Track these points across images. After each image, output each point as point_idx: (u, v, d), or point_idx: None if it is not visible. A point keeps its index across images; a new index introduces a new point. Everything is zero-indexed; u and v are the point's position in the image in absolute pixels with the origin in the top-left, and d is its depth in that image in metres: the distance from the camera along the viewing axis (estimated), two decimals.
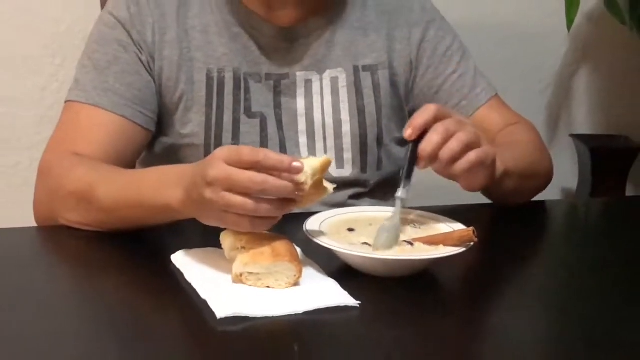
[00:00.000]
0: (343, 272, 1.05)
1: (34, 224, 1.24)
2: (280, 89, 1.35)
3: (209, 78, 1.32)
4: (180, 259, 1.07)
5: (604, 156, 2.26)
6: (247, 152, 0.96)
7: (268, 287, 1.00)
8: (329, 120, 1.36)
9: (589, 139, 2.32)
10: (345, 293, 0.99)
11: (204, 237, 1.08)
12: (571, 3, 1.98)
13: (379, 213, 1.18)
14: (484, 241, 1.08)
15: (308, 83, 1.36)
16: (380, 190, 1.40)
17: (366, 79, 1.38)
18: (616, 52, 2.36)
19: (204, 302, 0.96)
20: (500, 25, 2.25)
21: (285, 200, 0.98)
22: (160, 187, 1.09)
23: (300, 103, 1.35)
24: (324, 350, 0.91)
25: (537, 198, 1.43)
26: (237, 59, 1.33)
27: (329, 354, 0.90)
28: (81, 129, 1.27)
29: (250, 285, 1.01)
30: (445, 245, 1.07)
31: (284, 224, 1.02)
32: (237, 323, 0.93)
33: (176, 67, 1.31)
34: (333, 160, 1.34)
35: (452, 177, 1.12)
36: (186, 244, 1.10)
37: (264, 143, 1.33)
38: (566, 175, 2.34)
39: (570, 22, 2.00)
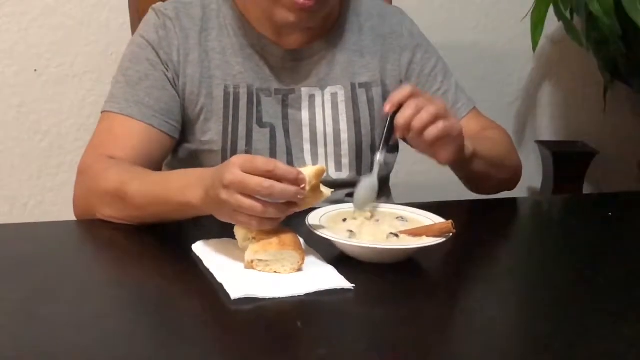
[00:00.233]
0: (340, 259, 1.05)
1: (74, 218, 1.24)
2: (287, 102, 1.34)
3: (226, 93, 1.32)
4: (200, 248, 1.07)
5: (565, 159, 2.26)
6: (261, 161, 0.97)
7: (275, 272, 1.00)
8: (330, 130, 1.35)
9: (551, 145, 2.32)
10: (342, 277, 0.99)
11: (221, 230, 1.07)
12: (536, 27, 1.98)
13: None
14: (461, 232, 1.08)
15: (311, 97, 1.35)
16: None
17: (362, 95, 1.37)
18: (575, 69, 2.36)
19: (220, 285, 0.96)
20: (475, 47, 2.25)
21: (289, 203, 0.99)
22: (184, 187, 1.08)
23: (305, 115, 1.35)
24: (323, 327, 0.91)
25: (507, 195, 1.43)
26: (251, 76, 1.33)
27: (328, 330, 0.90)
28: (115, 135, 1.26)
29: (260, 271, 1.00)
30: (427, 236, 1.06)
31: (290, 218, 1.02)
32: (249, 303, 0.93)
33: (198, 83, 1.31)
34: (332, 164, 1.35)
35: (425, 148, 1.15)
36: (205, 235, 1.10)
37: (272, 149, 1.32)
38: (532, 176, 2.34)
39: (535, 44, 2.00)
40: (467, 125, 1.40)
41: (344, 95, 1.36)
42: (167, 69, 1.30)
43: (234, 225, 1.04)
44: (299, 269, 1.01)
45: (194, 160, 1.33)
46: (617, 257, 1.17)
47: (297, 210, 1.01)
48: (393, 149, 1.43)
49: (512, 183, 1.43)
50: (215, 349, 0.86)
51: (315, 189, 1.01)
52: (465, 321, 0.96)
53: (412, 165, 1.54)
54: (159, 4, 1.35)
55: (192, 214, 1.10)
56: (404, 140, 1.23)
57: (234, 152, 1.30)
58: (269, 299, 0.94)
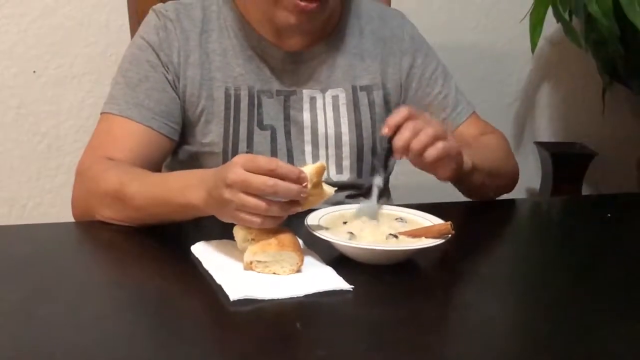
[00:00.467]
0: (339, 260, 1.05)
1: (73, 220, 1.24)
2: (289, 103, 1.34)
3: (227, 95, 1.32)
4: (199, 249, 1.07)
5: (563, 160, 2.26)
6: (263, 160, 0.97)
7: (274, 273, 1.00)
8: (331, 132, 1.35)
9: (550, 146, 2.32)
10: (341, 278, 0.99)
11: (220, 231, 1.08)
12: (535, 29, 1.98)
13: None
14: (460, 234, 1.08)
15: (313, 100, 1.35)
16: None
17: (363, 98, 1.37)
18: (573, 71, 2.36)
19: (219, 286, 0.96)
20: (474, 48, 2.25)
21: (291, 202, 0.99)
22: (185, 188, 1.09)
23: (306, 117, 1.35)
24: (322, 328, 0.91)
25: (506, 197, 1.43)
26: (251, 78, 1.33)
27: (327, 331, 0.90)
28: (114, 137, 1.26)
29: (259, 272, 1.00)
30: (426, 237, 1.07)
31: (289, 219, 1.02)
32: (248, 304, 0.93)
33: (198, 85, 1.31)
34: (333, 167, 1.35)
35: (425, 167, 1.15)
36: (204, 237, 1.10)
37: (273, 151, 1.32)
38: (530, 177, 2.34)
39: (534, 45, 2.00)
40: (467, 129, 1.41)
41: (345, 98, 1.36)
42: (167, 71, 1.30)
43: (233, 226, 1.04)
44: (298, 270, 1.01)
45: (194, 162, 1.33)
46: (616, 258, 1.18)
47: (300, 209, 1.02)
48: (392, 151, 1.43)
49: (509, 188, 1.43)
50: (215, 350, 0.86)
51: (317, 187, 1.02)
52: (464, 322, 0.96)
53: (411, 167, 1.54)
54: (160, 5, 1.35)
55: (193, 215, 1.10)
56: None
57: (235, 154, 1.30)
58: (268, 300, 0.94)
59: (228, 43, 1.33)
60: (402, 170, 1.50)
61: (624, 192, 2.12)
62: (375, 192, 1.16)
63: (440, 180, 1.20)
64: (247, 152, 1.31)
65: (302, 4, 1.21)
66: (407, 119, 1.12)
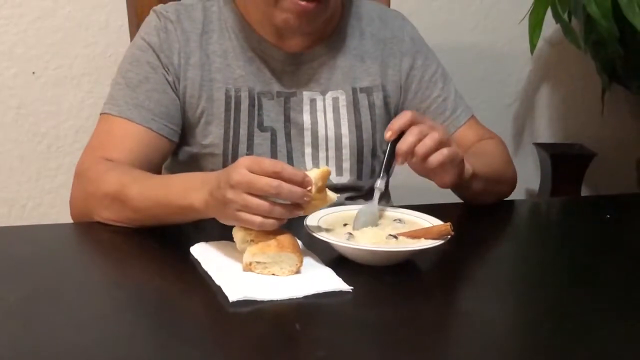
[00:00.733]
0: (338, 261, 1.05)
1: (70, 220, 1.24)
2: (289, 105, 1.34)
3: (227, 96, 1.31)
4: (198, 250, 1.07)
5: (562, 161, 2.26)
6: (268, 162, 0.98)
7: (273, 274, 1.00)
8: (331, 134, 1.35)
9: (549, 147, 2.32)
10: (340, 279, 0.99)
11: (219, 232, 1.08)
12: (534, 30, 1.98)
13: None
14: (459, 235, 1.08)
15: (313, 101, 1.35)
16: (372, 193, 1.40)
17: (363, 100, 1.37)
18: (573, 71, 2.36)
19: (219, 288, 0.96)
20: (474, 49, 2.25)
21: (294, 205, 0.99)
22: (186, 190, 1.09)
23: (306, 118, 1.35)
24: (322, 329, 0.91)
25: (505, 198, 1.43)
26: (252, 79, 1.32)
27: (326, 332, 0.90)
28: (114, 138, 1.26)
29: (258, 273, 1.00)
30: (425, 238, 1.07)
31: (289, 221, 1.03)
32: (247, 305, 0.93)
33: (198, 86, 1.31)
34: (333, 168, 1.35)
35: (427, 173, 1.15)
36: (204, 238, 1.10)
37: (273, 153, 1.32)
38: (530, 178, 2.34)
39: (533, 46, 2.00)
40: (465, 133, 1.41)
41: (345, 99, 1.36)
42: (167, 72, 1.30)
43: (232, 227, 1.04)
44: (297, 272, 1.01)
45: (195, 163, 1.33)
46: (616, 258, 1.18)
47: (303, 213, 1.02)
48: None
49: (507, 194, 1.43)
50: (214, 350, 0.86)
51: (321, 192, 1.02)
52: (463, 322, 0.96)
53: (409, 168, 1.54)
54: (160, 6, 1.35)
55: (193, 217, 1.10)
56: None
57: (235, 156, 1.30)
58: (267, 301, 0.94)
59: (228, 44, 1.33)
60: (402, 171, 1.50)
61: (624, 193, 2.12)
62: (376, 195, 1.16)
63: (440, 187, 1.19)
64: (247, 154, 1.31)
65: (302, 4, 1.21)
66: (411, 123, 1.12)
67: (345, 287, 0.98)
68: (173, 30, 1.31)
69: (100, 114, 1.29)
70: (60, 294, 0.97)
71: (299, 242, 1.05)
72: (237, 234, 1.05)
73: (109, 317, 0.93)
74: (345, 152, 1.36)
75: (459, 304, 1.03)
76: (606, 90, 2.20)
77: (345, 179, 1.36)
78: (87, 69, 1.96)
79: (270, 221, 0.99)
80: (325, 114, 1.35)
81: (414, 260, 1.07)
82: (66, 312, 0.92)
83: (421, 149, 1.10)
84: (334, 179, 1.35)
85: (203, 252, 1.07)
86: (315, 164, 1.35)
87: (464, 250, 1.16)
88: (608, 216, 1.37)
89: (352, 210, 1.18)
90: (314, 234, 1.06)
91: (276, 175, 0.97)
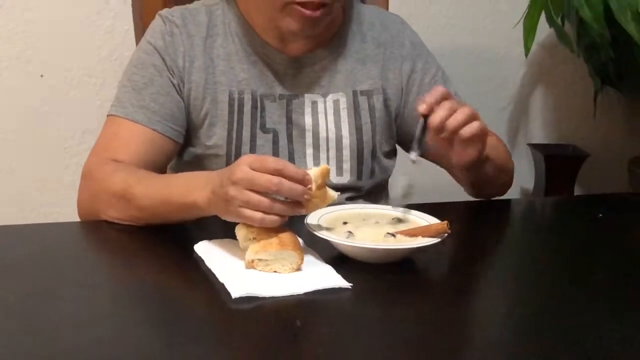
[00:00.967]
0: (338, 259, 1.05)
1: (77, 219, 1.24)
2: (291, 107, 1.34)
3: (231, 99, 1.31)
4: (202, 248, 1.07)
5: (556, 162, 2.26)
6: (271, 160, 0.98)
7: (275, 271, 1.00)
8: (332, 136, 1.35)
9: (543, 148, 2.32)
10: (340, 276, 0.99)
11: (222, 230, 1.07)
12: (528, 33, 1.98)
13: (368, 210, 1.18)
14: (456, 233, 1.08)
15: (314, 104, 1.35)
16: (372, 193, 1.40)
17: (363, 102, 1.37)
18: (566, 74, 2.36)
19: (222, 284, 0.96)
20: (471, 52, 2.25)
21: (295, 203, 0.99)
22: (189, 189, 1.09)
23: (308, 120, 1.35)
24: (322, 325, 0.91)
25: (501, 197, 1.43)
26: (255, 82, 1.32)
27: (326, 328, 0.90)
28: (120, 139, 1.26)
29: (260, 270, 1.00)
30: (423, 236, 1.07)
31: (290, 220, 1.03)
32: (249, 302, 0.93)
33: (202, 89, 1.31)
34: (334, 169, 1.35)
35: (456, 146, 1.16)
36: (207, 236, 1.10)
37: (275, 154, 1.32)
38: (524, 178, 2.34)
39: (527, 49, 2.00)
40: None
41: (346, 102, 1.36)
42: (172, 75, 1.30)
43: (235, 226, 1.04)
44: (298, 269, 1.01)
45: (199, 163, 1.33)
46: (608, 257, 1.18)
47: (304, 212, 1.02)
48: (391, 154, 1.43)
49: (507, 187, 1.43)
50: (217, 346, 0.85)
51: (321, 189, 1.02)
52: (461, 318, 0.96)
53: (410, 168, 1.54)
54: (166, 10, 1.35)
55: (196, 215, 1.10)
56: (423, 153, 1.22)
57: (238, 156, 1.29)
58: (269, 297, 0.94)
59: (232, 48, 1.33)
60: (403, 173, 1.50)
61: (615, 193, 2.12)
62: (414, 159, 1.15)
63: (457, 166, 1.20)
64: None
65: (307, 12, 1.21)
66: (443, 98, 1.13)
67: (345, 284, 0.98)
68: (178, 34, 1.31)
69: (107, 115, 1.29)
70: (66, 291, 0.97)
71: (300, 240, 1.05)
72: (239, 232, 1.05)
73: (115, 313, 0.93)
74: (346, 153, 1.36)
75: (456, 300, 1.03)
76: (599, 93, 2.20)
77: (345, 179, 1.36)
78: (94, 71, 1.96)
79: (272, 217, 0.99)
80: (326, 116, 1.35)
81: (412, 258, 1.07)
82: (72, 308, 0.92)
83: (452, 122, 1.12)
84: (335, 179, 1.35)
85: (206, 250, 1.06)
86: (317, 164, 1.34)
87: (460, 248, 1.16)
88: (600, 215, 1.37)
89: (351, 209, 1.18)
90: (315, 232, 1.06)
91: (277, 173, 0.97)
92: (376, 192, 1.42)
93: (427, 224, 1.11)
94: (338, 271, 1.01)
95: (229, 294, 0.93)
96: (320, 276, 1.00)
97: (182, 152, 1.35)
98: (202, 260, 1.04)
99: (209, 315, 0.93)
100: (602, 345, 0.87)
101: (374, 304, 0.97)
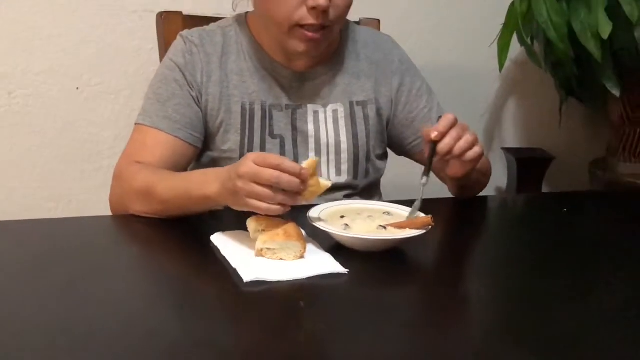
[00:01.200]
0: (336, 248, 1.05)
1: (110, 213, 1.24)
2: (296, 116, 1.34)
3: (243, 109, 1.31)
4: (217, 238, 1.07)
5: (526, 164, 2.26)
6: (271, 157, 0.99)
7: (281, 259, 1.00)
8: (332, 141, 1.35)
9: (515, 151, 2.32)
10: (337, 263, 0.99)
11: (235, 222, 1.07)
12: (502, 52, 1.98)
13: (362, 205, 1.18)
14: (439, 225, 1.08)
15: (316, 113, 1.35)
16: (367, 191, 1.40)
17: (359, 112, 1.37)
18: (535, 87, 2.36)
19: (234, 270, 0.96)
20: (452, 68, 2.25)
21: (294, 193, 0.99)
22: (203, 183, 1.09)
23: (310, 127, 1.34)
24: (322, 305, 0.91)
25: (478, 195, 1.43)
26: (264, 94, 1.32)
27: (326, 308, 0.90)
28: (146, 145, 1.26)
29: (268, 258, 1.00)
30: (410, 228, 1.06)
31: (295, 214, 1.02)
32: (259, 285, 0.93)
33: (218, 100, 1.31)
34: (333, 170, 1.35)
35: (458, 164, 1.17)
36: (222, 228, 1.10)
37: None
38: (499, 178, 2.34)
39: (501, 66, 2.00)
40: None
41: (344, 112, 1.36)
42: (192, 89, 1.30)
43: (246, 219, 1.04)
44: (302, 257, 1.01)
45: (215, 166, 1.32)
46: (570, 245, 1.18)
47: (302, 201, 1.02)
48: (383, 157, 1.43)
49: (484, 186, 1.43)
50: (230, 323, 0.86)
51: (312, 178, 1.01)
52: (442, 298, 0.96)
53: (399, 168, 1.54)
54: (186, 31, 1.35)
55: (210, 206, 1.11)
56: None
57: None
58: (276, 281, 0.94)
59: (244, 64, 1.33)
60: (393, 173, 1.50)
61: (578, 191, 2.12)
62: (421, 192, 1.14)
63: (455, 177, 1.22)
64: None
65: (310, 34, 1.21)
66: (451, 126, 1.13)
67: (342, 270, 0.98)
68: (197, 52, 1.31)
69: (135, 124, 1.29)
70: (99, 276, 0.97)
71: (303, 232, 1.05)
72: (250, 225, 1.05)
73: (141, 295, 0.93)
74: (344, 156, 1.36)
75: (440, 284, 1.03)
76: (563, 103, 2.20)
77: (343, 179, 1.36)
78: (123, 85, 1.96)
79: (275, 207, 0.99)
80: (326, 124, 1.35)
81: (401, 247, 1.07)
82: (104, 291, 0.92)
83: (458, 150, 1.13)
84: (334, 178, 1.35)
85: (221, 240, 1.06)
86: (318, 167, 1.34)
87: (443, 239, 1.16)
88: (565, 210, 1.37)
89: (347, 205, 1.18)
90: (316, 225, 1.06)
91: (277, 168, 0.97)
92: (370, 190, 1.41)
93: (414, 217, 1.11)
94: (336, 259, 1.01)
95: (241, 278, 0.94)
96: (321, 263, 1.00)
97: (200, 155, 1.35)
98: (218, 249, 1.04)
99: (223, 296, 0.93)
100: (568, 323, 0.87)
101: (367, 287, 0.97)
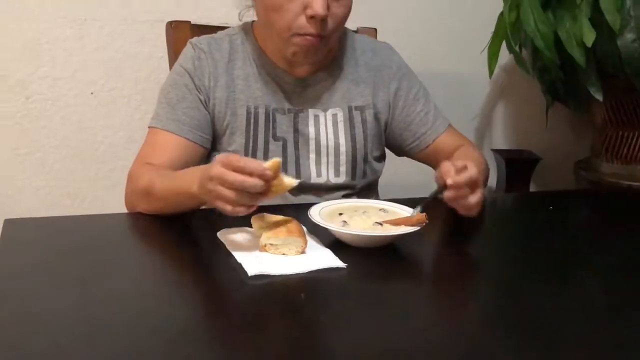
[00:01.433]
0: (335, 244, 1.05)
1: (125, 211, 1.24)
2: (297, 119, 1.34)
3: (248, 112, 1.31)
4: (223, 235, 1.07)
5: (514, 164, 2.26)
6: (234, 159, 0.96)
7: (283, 254, 1.00)
8: (331, 144, 1.35)
9: (504, 152, 2.32)
10: (336, 258, 0.99)
11: (240, 220, 1.07)
12: (492, 59, 1.98)
13: (359, 203, 1.18)
14: (433, 223, 1.08)
15: (316, 117, 1.35)
16: (364, 191, 1.40)
17: (357, 116, 1.37)
18: (523, 92, 2.36)
19: (240, 264, 0.96)
20: (445, 74, 2.25)
21: (257, 194, 0.97)
22: (189, 181, 1.07)
23: (311, 130, 1.34)
24: (322, 298, 0.91)
25: None
26: (268, 98, 1.32)
27: (325, 300, 0.90)
28: (157, 147, 1.26)
29: (271, 253, 1.00)
30: (405, 225, 1.07)
31: (296, 212, 1.03)
32: (262, 279, 0.93)
33: (225, 104, 1.31)
34: (332, 171, 1.34)
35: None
36: (227, 224, 1.10)
37: (284, 158, 1.32)
38: (489, 178, 2.34)
39: (491, 72, 2.00)
40: (445, 139, 1.41)
41: (343, 116, 1.36)
42: (200, 93, 1.30)
43: (251, 216, 1.04)
44: (303, 252, 1.01)
45: None
46: (556, 240, 1.18)
47: (267, 198, 0.99)
48: (380, 158, 1.43)
49: (485, 184, 1.42)
50: (236, 314, 0.86)
51: (276, 178, 0.98)
52: (434, 290, 0.97)
53: (395, 170, 1.54)
54: (195, 38, 1.35)
55: (199, 203, 1.10)
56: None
57: None
58: (279, 275, 0.94)
59: (249, 70, 1.33)
60: (389, 173, 1.50)
61: (563, 190, 2.12)
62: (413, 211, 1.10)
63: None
64: (262, 160, 1.30)
65: (308, 39, 1.21)
66: (468, 181, 1.08)
67: (340, 264, 0.98)
68: (205, 58, 1.31)
69: (148, 127, 1.30)
70: (111, 270, 0.97)
71: (304, 228, 1.05)
72: (255, 223, 1.05)
73: (152, 287, 0.93)
74: (342, 158, 1.36)
75: (432, 277, 1.03)
76: (549, 107, 2.19)
77: (341, 179, 1.36)
78: (135, 90, 1.96)
79: (239, 209, 0.97)
80: (326, 127, 1.35)
81: (396, 243, 1.07)
82: (117, 284, 0.92)
83: (462, 210, 1.10)
84: (332, 179, 1.35)
85: (227, 236, 1.07)
86: (318, 168, 1.34)
87: (436, 235, 1.16)
88: (551, 207, 1.37)
89: (346, 203, 1.18)
90: (316, 222, 1.06)
91: (241, 170, 0.95)
92: (367, 190, 1.41)
93: (409, 215, 1.11)
94: (335, 254, 1.01)
95: (245, 272, 0.94)
96: (321, 258, 1.00)
97: (208, 155, 1.35)
98: (224, 245, 1.04)
99: (229, 288, 0.93)
100: (547, 314, 0.87)
101: (364, 280, 0.97)
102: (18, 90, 1.87)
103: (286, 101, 1.33)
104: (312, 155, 1.34)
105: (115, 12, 1.89)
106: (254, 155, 1.30)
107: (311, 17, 1.18)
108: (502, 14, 1.95)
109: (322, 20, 1.19)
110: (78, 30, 1.87)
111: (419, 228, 1.05)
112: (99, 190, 1.99)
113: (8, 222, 1.13)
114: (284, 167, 1.31)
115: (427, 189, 1.31)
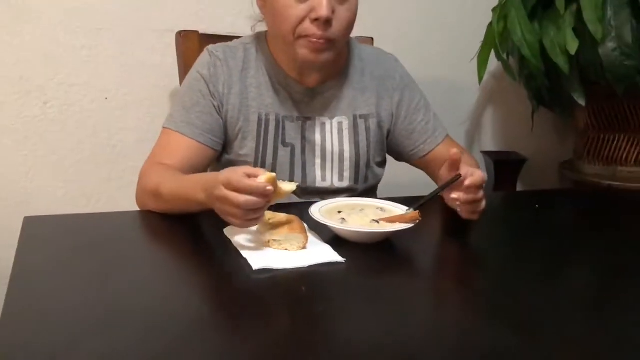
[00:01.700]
0: (334, 240, 1.06)
1: (136, 209, 1.24)
2: (305, 127, 1.33)
3: (259, 119, 1.31)
4: (229, 231, 1.07)
5: (502, 165, 2.26)
6: (235, 180, 0.96)
7: (286, 249, 1.00)
8: (336, 150, 1.34)
9: (492, 154, 2.32)
10: (336, 253, 0.99)
11: None
12: (481, 66, 1.98)
13: (357, 202, 1.19)
14: (425, 220, 1.08)
15: (323, 124, 1.34)
16: (364, 194, 1.40)
17: (361, 124, 1.36)
18: (510, 98, 2.36)
19: (245, 259, 0.96)
20: (437, 81, 2.25)
21: (259, 208, 0.98)
22: (195, 189, 1.07)
23: (318, 137, 1.34)
24: (321, 291, 0.91)
25: None
26: (278, 106, 1.32)
27: (325, 292, 0.90)
28: (170, 148, 1.26)
29: (275, 248, 1.01)
30: (400, 222, 1.07)
31: (297, 209, 1.03)
32: (266, 272, 0.93)
33: (237, 111, 1.30)
34: (337, 176, 1.35)
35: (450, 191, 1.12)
36: None
37: (292, 163, 1.32)
38: None
39: (480, 78, 2.00)
40: (443, 149, 1.41)
41: (348, 124, 1.35)
42: (214, 99, 1.29)
43: None
44: (304, 247, 1.01)
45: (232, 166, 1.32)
46: (541, 237, 1.18)
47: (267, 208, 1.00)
48: (382, 164, 1.43)
49: None
50: (241, 305, 0.86)
51: (277, 188, 0.99)
52: (427, 283, 0.97)
53: (393, 171, 1.54)
54: (212, 46, 1.34)
55: (204, 208, 1.09)
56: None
57: (263, 164, 1.30)
58: (281, 269, 0.94)
59: (262, 79, 1.32)
60: (387, 174, 1.50)
61: (548, 189, 2.12)
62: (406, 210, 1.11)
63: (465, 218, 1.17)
64: (272, 164, 1.30)
65: (313, 41, 1.20)
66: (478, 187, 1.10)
67: (339, 259, 0.98)
68: (220, 66, 1.30)
69: (162, 127, 1.29)
70: (125, 264, 0.97)
71: (305, 225, 1.05)
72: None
73: (162, 281, 0.93)
74: (346, 164, 1.35)
75: (425, 271, 1.03)
76: (535, 112, 2.20)
77: (345, 183, 1.36)
78: (146, 95, 1.96)
79: (248, 223, 0.98)
80: (332, 135, 1.35)
81: (391, 239, 1.07)
82: (128, 277, 0.92)
83: (465, 214, 1.11)
84: (337, 183, 1.35)
85: (233, 232, 1.07)
86: (323, 173, 1.34)
87: (429, 232, 1.16)
88: (537, 206, 1.37)
89: (344, 201, 1.18)
90: (316, 219, 1.06)
91: (242, 191, 0.95)
92: (367, 194, 1.41)
93: (403, 212, 1.11)
94: (334, 249, 1.01)
95: (250, 266, 0.94)
96: (321, 253, 1.00)
97: (219, 158, 1.35)
98: (230, 240, 1.04)
99: (235, 281, 0.93)
100: (529, 299, 0.87)
101: (362, 274, 0.98)
102: (37, 96, 1.87)
103: (295, 109, 1.33)
104: (318, 161, 1.34)
105: (128, 22, 1.89)
106: (264, 159, 1.30)
107: (315, 20, 1.18)
108: (491, 24, 1.95)
109: (327, 23, 1.18)
110: (93, 39, 1.88)
111: (413, 225, 1.05)
112: (113, 190, 1.99)
113: (28, 220, 1.13)
114: (291, 172, 1.32)
115: (421, 190, 1.32)
